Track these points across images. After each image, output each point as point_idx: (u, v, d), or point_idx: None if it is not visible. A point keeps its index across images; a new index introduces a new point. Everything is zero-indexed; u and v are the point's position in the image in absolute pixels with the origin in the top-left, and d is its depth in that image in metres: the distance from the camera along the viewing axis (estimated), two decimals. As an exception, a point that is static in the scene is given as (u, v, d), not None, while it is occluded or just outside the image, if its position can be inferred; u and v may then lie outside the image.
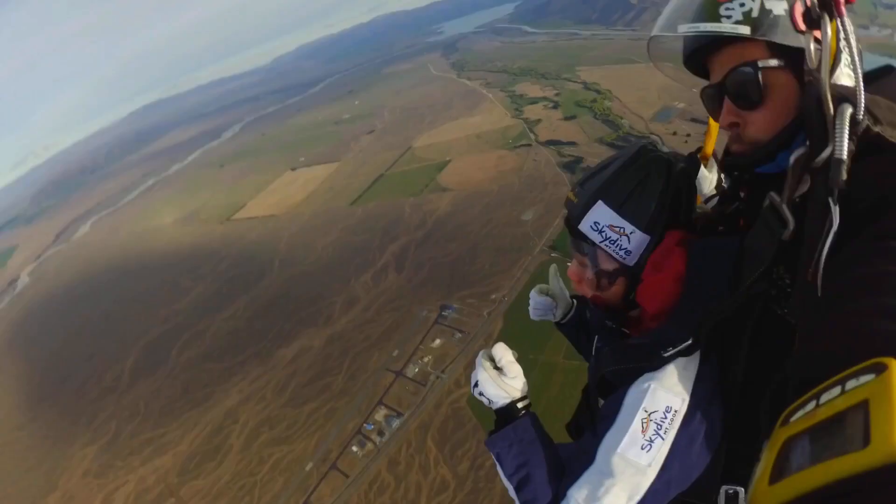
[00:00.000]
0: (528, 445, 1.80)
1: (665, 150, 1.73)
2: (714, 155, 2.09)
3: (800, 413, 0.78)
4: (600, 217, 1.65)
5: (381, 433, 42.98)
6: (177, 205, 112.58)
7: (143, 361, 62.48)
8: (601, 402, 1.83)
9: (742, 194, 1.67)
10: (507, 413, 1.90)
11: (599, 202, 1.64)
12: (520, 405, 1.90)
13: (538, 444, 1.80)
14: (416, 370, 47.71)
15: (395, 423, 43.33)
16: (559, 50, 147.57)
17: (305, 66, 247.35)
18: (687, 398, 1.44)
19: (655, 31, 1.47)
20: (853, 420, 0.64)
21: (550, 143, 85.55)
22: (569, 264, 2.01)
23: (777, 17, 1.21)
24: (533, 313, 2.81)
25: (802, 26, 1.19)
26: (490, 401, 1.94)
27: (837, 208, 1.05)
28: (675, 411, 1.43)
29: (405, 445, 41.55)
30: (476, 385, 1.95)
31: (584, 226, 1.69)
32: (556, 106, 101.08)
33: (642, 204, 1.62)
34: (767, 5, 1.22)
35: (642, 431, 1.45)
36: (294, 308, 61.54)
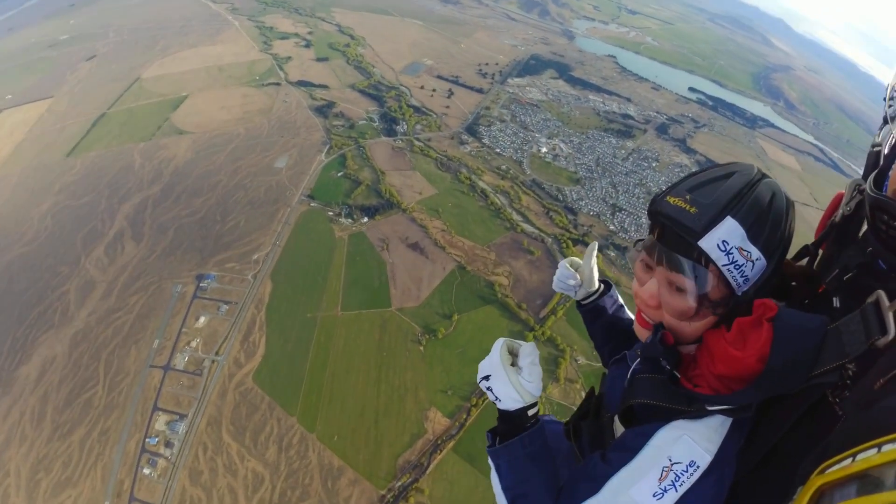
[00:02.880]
0: (531, 461, 1.69)
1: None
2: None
3: (836, 466, 0.85)
4: (730, 236, 1.46)
5: (168, 444, 36.68)
6: None
7: None
8: (617, 422, 1.79)
9: (821, 251, 1.71)
10: (514, 419, 1.76)
11: (729, 218, 1.46)
12: (530, 412, 1.77)
13: (542, 459, 1.70)
14: (186, 359, 41.26)
15: (181, 427, 37.34)
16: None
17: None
18: (713, 455, 1.42)
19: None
20: (888, 471, 0.70)
21: (301, 83, 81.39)
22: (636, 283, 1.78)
23: None
24: (556, 283, 2.75)
25: None
26: (498, 398, 1.77)
27: None
28: (698, 467, 1.41)
29: (201, 450, 36.51)
30: (486, 378, 1.78)
31: (709, 243, 1.46)
32: (308, 45, 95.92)
33: (771, 229, 1.50)
34: None
35: (660, 479, 1.42)
36: (22, 308, 46.52)
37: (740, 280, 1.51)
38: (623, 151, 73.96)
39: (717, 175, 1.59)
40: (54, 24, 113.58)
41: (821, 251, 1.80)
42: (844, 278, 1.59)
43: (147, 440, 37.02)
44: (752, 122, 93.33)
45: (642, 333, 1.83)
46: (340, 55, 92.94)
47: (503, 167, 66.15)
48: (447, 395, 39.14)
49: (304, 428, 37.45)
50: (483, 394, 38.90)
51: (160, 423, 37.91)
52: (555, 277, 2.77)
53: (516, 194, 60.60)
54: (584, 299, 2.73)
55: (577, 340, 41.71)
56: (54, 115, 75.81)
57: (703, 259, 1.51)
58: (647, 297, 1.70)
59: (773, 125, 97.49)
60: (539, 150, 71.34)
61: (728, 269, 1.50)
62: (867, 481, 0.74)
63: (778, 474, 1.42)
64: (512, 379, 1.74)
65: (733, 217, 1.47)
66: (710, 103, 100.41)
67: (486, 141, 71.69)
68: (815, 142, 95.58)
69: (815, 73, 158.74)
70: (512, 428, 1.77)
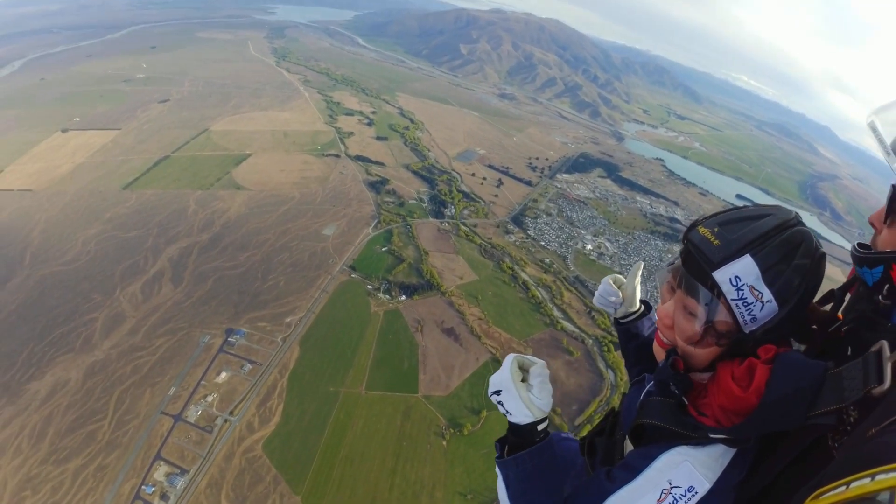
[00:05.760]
0: (539, 473, 1.76)
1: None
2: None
3: (830, 493, 0.90)
4: (744, 273, 1.51)
5: (164, 496, 35.14)
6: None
7: None
8: (627, 439, 1.88)
9: (850, 295, 1.72)
10: (524, 433, 1.81)
11: (747, 256, 1.51)
12: (540, 427, 1.81)
13: (549, 473, 1.77)
14: (199, 413, 40.31)
15: (180, 482, 35.90)
16: (384, 71, 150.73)
17: (113, 4, 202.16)
18: (712, 483, 1.49)
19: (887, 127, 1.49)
20: (881, 497, 0.76)
21: (359, 158, 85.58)
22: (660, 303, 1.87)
23: None
24: (597, 299, 2.81)
25: None
26: (508, 412, 1.82)
27: None
28: (696, 493, 1.49)
29: (196, 510, 34.63)
30: (497, 393, 1.83)
31: (722, 275, 1.54)
32: (370, 123, 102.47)
33: (789, 276, 1.51)
34: None
35: (658, 501, 1.51)
36: (46, 324, 47.08)
37: (747, 317, 1.55)
38: (669, 255, 72.58)
39: (751, 214, 1.61)
40: (132, 61, 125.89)
41: (849, 295, 1.77)
42: (843, 329, 1.65)
43: (143, 487, 35.49)
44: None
45: (659, 352, 1.89)
46: (399, 136, 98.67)
47: (547, 260, 65.75)
48: (466, 500, 36.14)
49: (308, 510, 34.90)
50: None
51: (160, 472, 36.44)
52: (597, 293, 2.78)
53: (558, 290, 59.44)
54: (622, 317, 2.72)
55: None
56: (118, 147, 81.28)
57: (715, 290, 1.57)
58: (662, 316, 1.80)
59: (820, 236, 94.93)
60: (584, 247, 70.99)
61: (736, 305, 1.54)
62: None
63: None
64: (522, 395, 1.76)
65: (752, 256, 1.50)
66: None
67: (531, 233, 72.24)
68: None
69: (860, 182, 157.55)
70: (521, 441, 1.81)
